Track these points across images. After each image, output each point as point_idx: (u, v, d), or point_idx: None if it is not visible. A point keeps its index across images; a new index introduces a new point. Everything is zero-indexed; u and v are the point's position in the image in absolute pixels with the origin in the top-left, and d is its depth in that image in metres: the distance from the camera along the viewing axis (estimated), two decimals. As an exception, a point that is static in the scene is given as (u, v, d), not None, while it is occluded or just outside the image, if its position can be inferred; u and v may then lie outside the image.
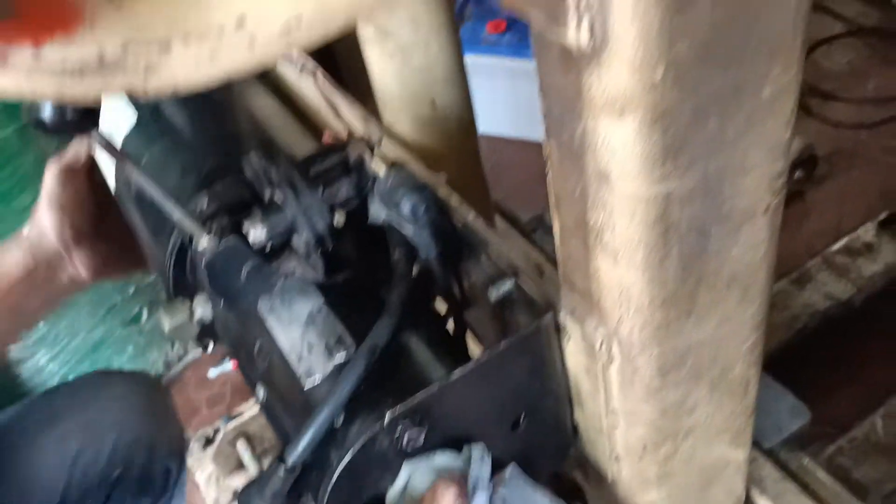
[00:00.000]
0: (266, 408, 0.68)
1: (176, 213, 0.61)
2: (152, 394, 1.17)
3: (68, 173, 0.95)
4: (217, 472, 1.43)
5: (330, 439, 0.59)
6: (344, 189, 0.66)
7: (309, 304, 0.67)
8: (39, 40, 0.28)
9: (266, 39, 0.32)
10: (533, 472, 0.70)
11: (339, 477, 0.57)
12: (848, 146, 2.18)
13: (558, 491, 0.74)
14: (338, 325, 0.65)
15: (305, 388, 0.62)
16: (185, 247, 0.80)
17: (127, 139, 0.91)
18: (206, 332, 0.77)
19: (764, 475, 0.91)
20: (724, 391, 0.67)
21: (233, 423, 1.40)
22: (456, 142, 0.81)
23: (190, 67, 0.32)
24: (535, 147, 0.52)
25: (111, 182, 0.96)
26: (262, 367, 0.68)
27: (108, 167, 0.98)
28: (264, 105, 0.93)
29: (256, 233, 0.65)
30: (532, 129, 2.20)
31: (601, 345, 0.59)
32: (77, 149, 0.97)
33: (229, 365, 2.03)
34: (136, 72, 0.30)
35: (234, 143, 0.85)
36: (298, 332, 0.65)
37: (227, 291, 0.65)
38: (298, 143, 0.87)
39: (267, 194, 0.69)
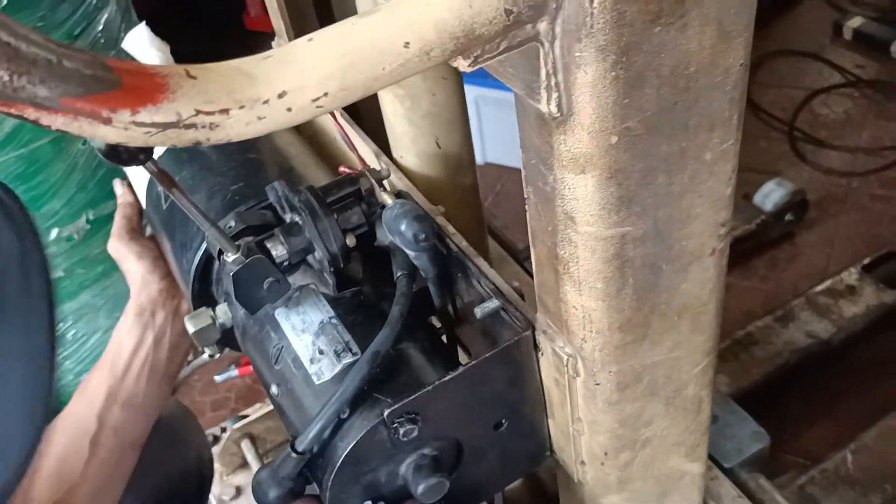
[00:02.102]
0: (278, 404, 0.78)
1: (211, 231, 0.71)
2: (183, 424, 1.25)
3: (132, 231, 1.03)
4: (221, 469, 1.52)
5: (335, 431, 0.68)
6: (355, 216, 0.76)
7: (321, 315, 0.77)
8: (135, 107, 0.39)
9: (301, 107, 0.43)
10: (513, 472, 0.80)
11: (342, 463, 0.66)
12: (839, 193, 2.27)
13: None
14: (345, 334, 0.74)
15: (316, 386, 0.72)
16: (210, 261, 0.90)
17: (160, 161, 1.01)
18: (226, 337, 0.87)
19: (722, 493, 1.00)
20: (679, 408, 0.76)
21: (239, 424, 1.49)
22: (456, 176, 0.91)
23: (243, 126, 0.42)
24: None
25: (143, 201, 1.07)
26: (277, 367, 0.77)
27: (139, 187, 1.08)
28: (284, 136, 1.03)
29: (278, 250, 0.75)
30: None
31: (567, 361, 0.68)
32: (123, 210, 1.05)
33: (234, 372, 2.13)
34: (203, 129, 0.41)
35: (256, 169, 0.96)
36: (311, 339, 0.75)
37: (249, 301, 0.75)
38: (314, 171, 0.98)
39: (288, 217, 0.79)
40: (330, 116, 1.00)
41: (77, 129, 0.38)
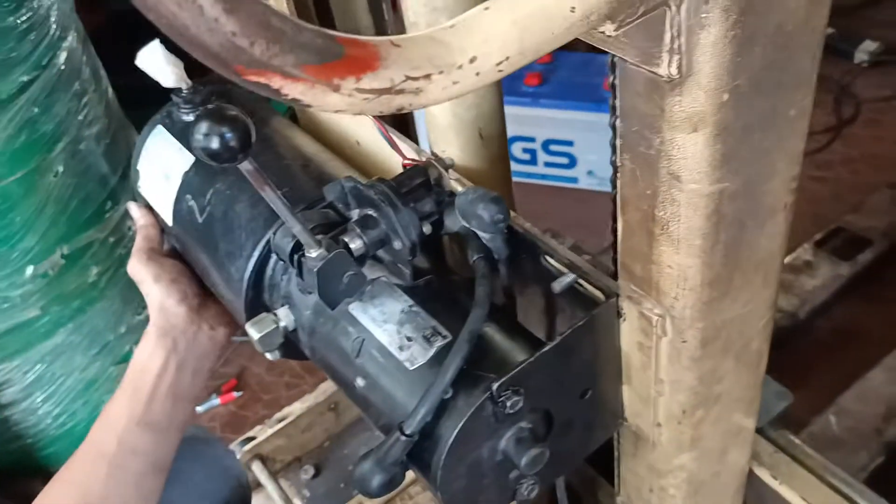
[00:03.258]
0: (364, 396, 0.78)
1: (296, 227, 0.72)
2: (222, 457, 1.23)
3: (151, 252, 1.02)
4: (232, 496, 1.49)
5: (440, 412, 0.69)
6: (428, 204, 0.78)
7: (399, 304, 0.78)
8: (359, 74, 0.40)
9: (486, 71, 0.45)
10: (591, 441, 0.83)
11: (454, 441, 0.68)
12: (780, 176, 2.40)
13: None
14: (431, 320, 0.76)
15: (410, 372, 0.73)
16: (262, 269, 0.90)
17: (188, 177, 1.01)
18: (290, 339, 0.87)
19: (760, 450, 1.05)
20: (744, 363, 0.81)
21: (248, 446, 1.47)
22: (497, 165, 0.94)
23: (440, 90, 0.44)
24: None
25: (168, 217, 1.05)
26: (359, 361, 0.78)
27: (161, 205, 1.07)
28: (311, 144, 1.04)
29: (356, 244, 0.76)
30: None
31: (657, 322, 0.72)
32: (145, 231, 1.04)
33: (216, 401, 2.09)
34: (409, 94, 0.43)
35: (295, 175, 0.96)
36: (394, 328, 0.76)
37: (331, 296, 0.75)
38: (343, 172, 0.99)
39: (355, 212, 0.80)
40: (356, 120, 1.02)
41: (311, 97, 0.39)
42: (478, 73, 0.45)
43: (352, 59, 0.40)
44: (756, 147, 0.62)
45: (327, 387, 1.59)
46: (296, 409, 1.57)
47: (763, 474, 1.03)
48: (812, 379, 1.91)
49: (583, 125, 2.26)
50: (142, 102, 2.00)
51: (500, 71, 0.46)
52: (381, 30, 1.18)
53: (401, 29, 0.93)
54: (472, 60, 0.44)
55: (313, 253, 0.74)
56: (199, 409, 2.03)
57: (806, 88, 0.62)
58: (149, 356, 0.97)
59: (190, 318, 0.99)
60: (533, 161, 2.39)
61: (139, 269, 1.02)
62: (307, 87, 0.39)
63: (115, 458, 0.92)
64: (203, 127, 0.62)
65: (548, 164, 2.40)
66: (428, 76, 0.43)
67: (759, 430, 1.10)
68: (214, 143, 0.62)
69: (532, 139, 2.35)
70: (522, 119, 2.31)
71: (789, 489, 1.01)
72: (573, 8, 0.47)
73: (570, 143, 2.33)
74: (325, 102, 0.40)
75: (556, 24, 0.46)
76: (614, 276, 0.79)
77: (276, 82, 0.38)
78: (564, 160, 2.37)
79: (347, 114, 0.41)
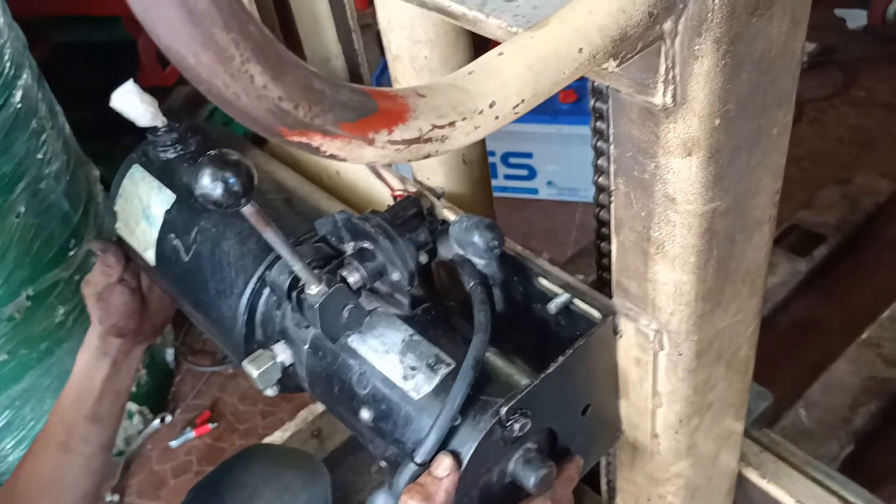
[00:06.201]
0: (370, 427, 0.79)
1: (297, 265, 0.73)
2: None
3: (104, 290, 1.11)
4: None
5: (449, 439, 0.71)
6: (423, 234, 0.79)
7: (400, 334, 0.79)
8: (391, 126, 0.42)
9: (504, 115, 0.47)
10: (593, 455, 0.85)
11: (468, 466, 0.69)
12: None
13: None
14: (433, 347, 0.77)
15: (416, 401, 0.74)
16: (254, 305, 0.90)
17: (170, 215, 1.00)
18: (289, 374, 0.87)
19: (746, 451, 1.08)
20: (734, 370, 0.84)
21: (234, 481, 1.46)
22: (479, 188, 0.96)
23: (463, 136, 0.45)
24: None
25: (150, 257, 1.05)
26: (363, 393, 0.79)
27: (142, 245, 1.06)
28: (293, 178, 1.05)
29: (354, 277, 0.77)
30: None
31: (654, 337, 0.74)
32: (105, 266, 1.11)
33: (192, 433, 2.06)
34: (436, 142, 0.44)
35: (281, 210, 0.97)
36: (397, 358, 0.77)
37: (332, 330, 0.76)
38: (335, 205, 0.99)
39: (349, 246, 0.81)
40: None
41: (347, 152, 0.40)
42: (497, 117, 0.46)
43: (384, 113, 0.41)
44: (744, 166, 0.65)
45: (308, 414, 1.58)
46: (278, 437, 1.56)
47: (751, 474, 1.06)
48: (777, 373, 1.96)
49: (541, 137, 2.29)
50: (95, 135, 1.98)
51: (517, 113, 0.47)
52: (350, 58, 1.19)
53: (372, 58, 0.95)
54: (491, 105, 0.46)
55: (314, 289, 0.74)
56: (173, 443, 2.00)
57: (787, 107, 0.65)
58: (95, 365, 1.14)
59: (128, 343, 1.15)
60: (493, 174, 2.42)
61: (89, 301, 1.14)
62: (344, 143, 0.40)
63: (68, 444, 1.11)
64: (206, 174, 0.62)
65: (508, 177, 2.43)
66: (452, 123, 0.44)
67: (744, 432, 1.14)
68: (218, 190, 0.63)
69: (492, 153, 2.37)
70: (481, 134, 2.33)
71: (777, 487, 1.04)
72: (581, 49, 0.48)
73: (528, 156, 2.36)
74: (361, 156, 0.41)
75: (567, 65, 0.48)
76: (598, 289, 0.81)
77: (316, 140, 0.39)
78: (524, 172, 2.40)
79: (379, 163, 0.42)
